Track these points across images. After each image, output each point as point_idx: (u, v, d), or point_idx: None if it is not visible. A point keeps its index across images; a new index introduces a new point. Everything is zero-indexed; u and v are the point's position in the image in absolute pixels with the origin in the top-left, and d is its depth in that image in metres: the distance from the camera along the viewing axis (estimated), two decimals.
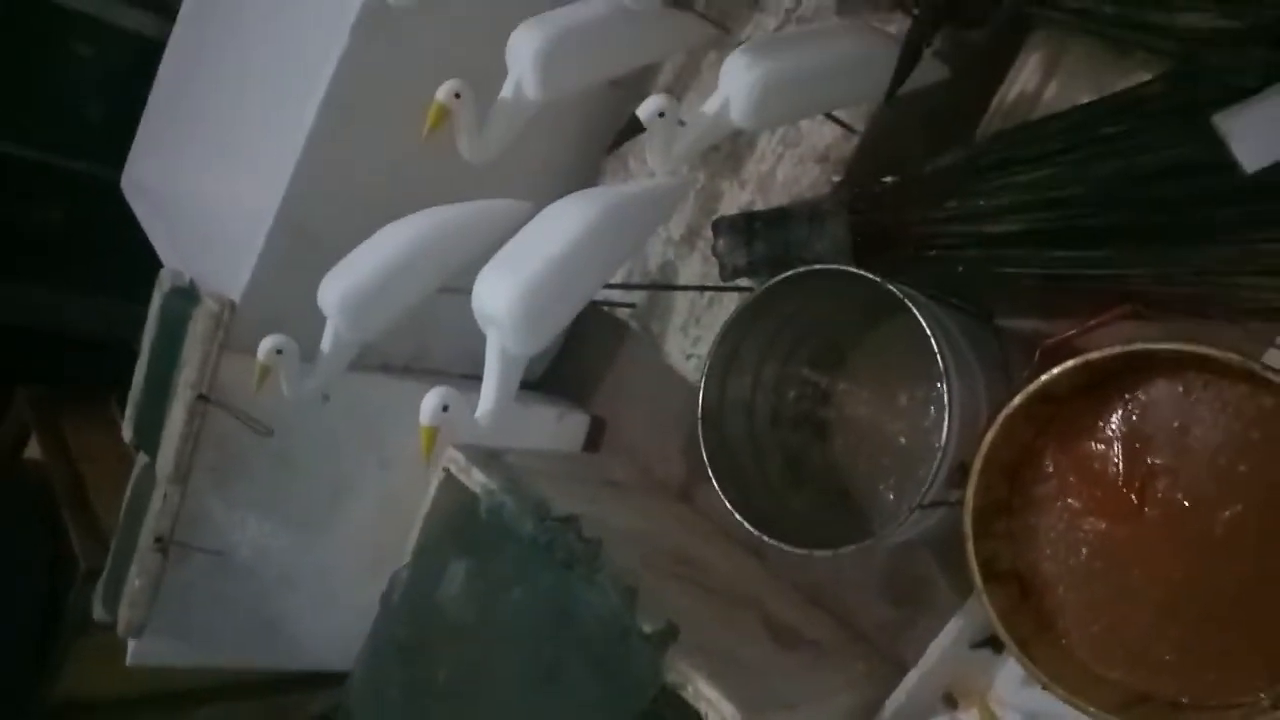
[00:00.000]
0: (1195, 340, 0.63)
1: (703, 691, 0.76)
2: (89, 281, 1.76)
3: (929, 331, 0.73)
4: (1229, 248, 0.75)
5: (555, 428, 1.20)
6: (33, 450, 1.60)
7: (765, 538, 0.80)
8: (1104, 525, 0.69)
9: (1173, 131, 0.75)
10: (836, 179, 0.98)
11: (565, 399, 1.24)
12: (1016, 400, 0.69)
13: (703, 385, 0.87)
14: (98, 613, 1.11)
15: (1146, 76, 0.78)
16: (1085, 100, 0.82)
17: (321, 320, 0.91)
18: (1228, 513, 0.65)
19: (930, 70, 0.88)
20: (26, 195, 1.74)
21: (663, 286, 1.09)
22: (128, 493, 1.12)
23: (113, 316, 1.57)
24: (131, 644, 1.07)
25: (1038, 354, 0.75)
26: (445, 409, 0.80)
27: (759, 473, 0.91)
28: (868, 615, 0.97)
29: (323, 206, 0.99)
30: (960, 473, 0.71)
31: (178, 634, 1.08)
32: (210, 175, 1.21)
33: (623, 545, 0.90)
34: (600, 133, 1.13)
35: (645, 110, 0.82)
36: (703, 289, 1.05)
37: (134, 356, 1.13)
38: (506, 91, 0.89)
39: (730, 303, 1.00)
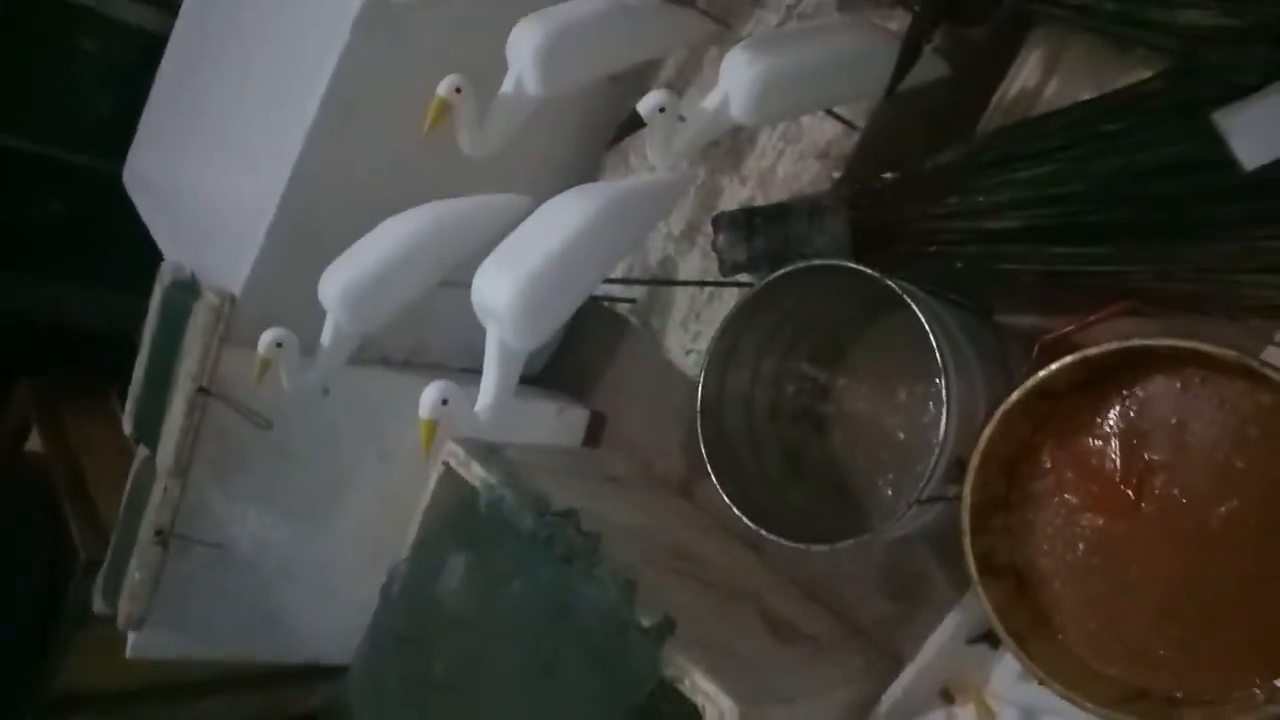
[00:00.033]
0: (1193, 336, 0.63)
1: (700, 685, 0.76)
2: (90, 274, 1.76)
3: (927, 327, 0.73)
4: (1229, 245, 0.75)
5: (555, 422, 1.20)
6: (33, 443, 1.60)
7: (763, 532, 0.80)
8: (1101, 521, 0.69)
9: (1173, 129, 0.76)
10: (837, 175, 0.98)
11: (565, 394, 1.24)
12: (1014, 396, 0.69)
13: (701, 379, 0.87)
14: (98, 605, 1.12)
15: (1147, 74, 0.79)
16: (1086, 97, 0.82)
17: (321, 314, 0.92)
18: (1224, 509, 0.65)
19: (931, 67, 0.88)
20: (29, 188, 1.74)
21: (663, 282, 1.09)
22: (128, 485, 1.12)
23: (114, 309, 1.58)
24: (131, 636, 1.08)
25: (1036, 350, 0.76)
26: (445, 402, 0.80)
27: (758, 467, 0.91)
28: (865, 610, 0.97)
29: (323, 200, 1.00)
30: (958, 468, 0.71)
31: (177, 626, 1.08)
32: (211, 169, 1.21)
33: (622, 540, 0.90)
34: (601, 128, 1.13)
35: (646, 105, 0.82)
36: (702, 284, 1.05)
37: (134, 349, 1.13)
38: (507, 87, 0.89)
39: (730, 298, 1.00)
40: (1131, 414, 0.69)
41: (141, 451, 1.10)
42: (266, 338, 0.89)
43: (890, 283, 0.77)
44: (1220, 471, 0.65)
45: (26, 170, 1.72)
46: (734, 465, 0.88)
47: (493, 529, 0.93)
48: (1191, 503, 0.66)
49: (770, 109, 0.84)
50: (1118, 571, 0.68)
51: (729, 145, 1.05)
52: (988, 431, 0.70)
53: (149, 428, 1.05)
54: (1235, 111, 0.70)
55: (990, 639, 0.80)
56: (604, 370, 1.24)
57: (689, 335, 1.08)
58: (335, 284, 0.90)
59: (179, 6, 1.34)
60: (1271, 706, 0.58)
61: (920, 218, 0.85)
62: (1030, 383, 0.68)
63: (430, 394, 0.81)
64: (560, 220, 0.83)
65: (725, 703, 0.75)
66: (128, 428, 1.13)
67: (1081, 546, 0.70)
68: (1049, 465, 0.72)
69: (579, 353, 1.26)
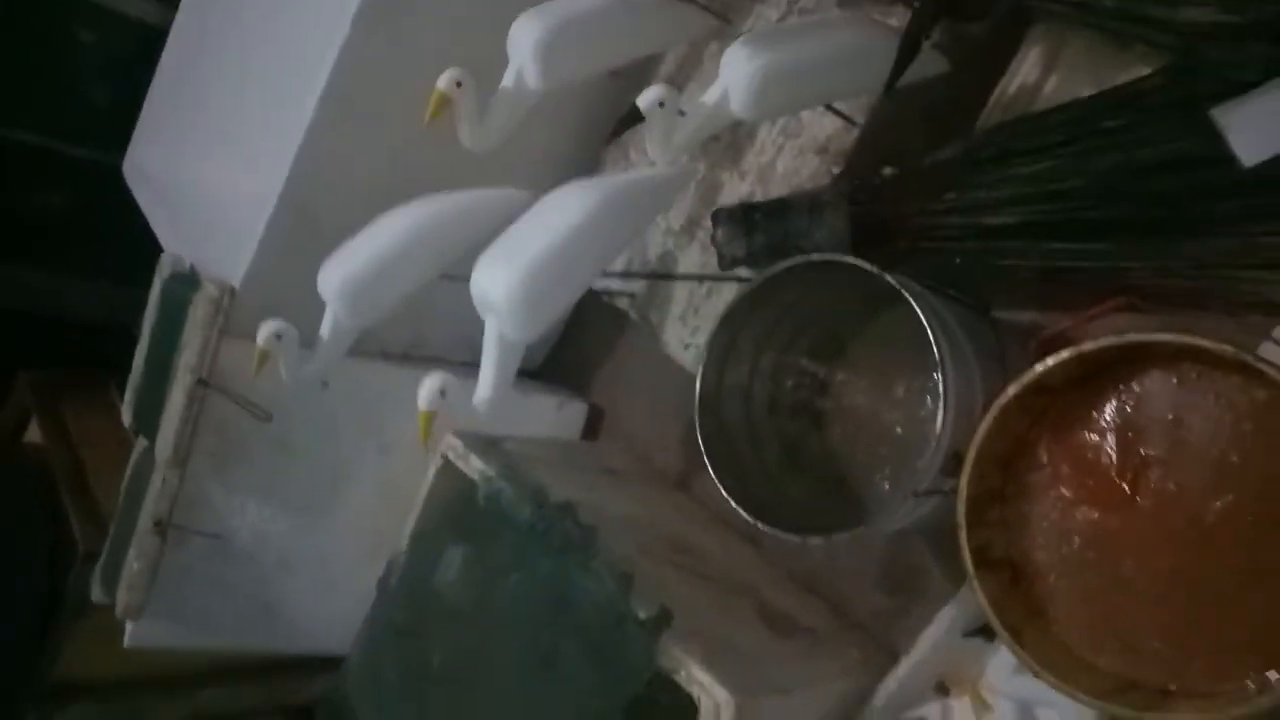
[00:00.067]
0: (1189, 331, 0.64)
1: (696, 676, 0.77)
2: (90, 266, 1.77)
3: (925, 321, 0.74)
4: (1227, 241, 0.75)
5: (554, 416, 1.20)
6: (33, 434, 1.60)
7: (760, 525, 0.81)
8: (1096, 515, 0.69)
9: (1172, 125, 0.76)
10: (836, 170, 0.98)
11: (564, 387, 1.24)
12: (1011, 390, 0.69)
13: (700, 372, 0.88)
14: (96, 595, 1.12)
15: (1146, 70, 0.79)
16: (1085, 94, 0.82)
17: (321, 306, 0.92)
18: (1219, 503, 0.65)
19: (930, 63, 0.88)
20: (29, 180, 1.74)
21: (662, 276, 1.10)
22: (127, 476, 1.12)
23: (114, 301, 1.58)
24: (130, 626, 1.08)
25: (1034, 345, 0.76)
26: (443, 394, 0.81)
27: (756, 461, 0.92)
28: (862, 603, 0.97)
29: (323, 193, 1.00)
30: (954, 462, 0.72)
31: (176, 617, 1.08)
32: (212, 162, 1.21)
33: (620, 532, 0.91)
34: (601, 123, 1.13)
35: (645, 100, 0.83)
36: (701, 278, 1.05)
37: (134, 341, 1.13)
38: (507, 81, 0.89)
39: (729, 293, 1.00)
40: (1128, 409, 0.69)
41: (140, 442, 1.10)
42: (265, 329, 0.90)
43: (888, 278, 0.77)
44: (1215, 466, 0.66)
45: (26, 162, 1.72)
46: (732, 459, 0.89)
47: (491, 521, 0.93)
48: (1186, 497, 0.66)
49: (770, 104, 0.84)
50: (1112, 565, 0.68)
51: (729, 140, 1.06)
52: (984, 426, 0.70)
53: (148, 419, 1.05)
54: (1234, 108, 0.71)
55: (986, 632, 0.81)
56: (603, 364, 1.24)
57: (688, 329, 1.08)
58: (334, 277, 0.90)
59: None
60: (1263, 699, 0.59)
61: (919, 213, 0.85)
62: (1027, 378, 0.69)
63: (429, 386, 0.81)
64: (559, 213, 0.83)
65: (721, 694, 0.75)
66: (127, 419, 1.13)
67: (1077, 540, 0.70)
68: (1045, 459, 0.72)
69: (578, 346, 1.26)
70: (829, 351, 0.95)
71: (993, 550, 0.72)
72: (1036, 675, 0.66)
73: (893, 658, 0.87)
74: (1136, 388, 0.69)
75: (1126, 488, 0.69)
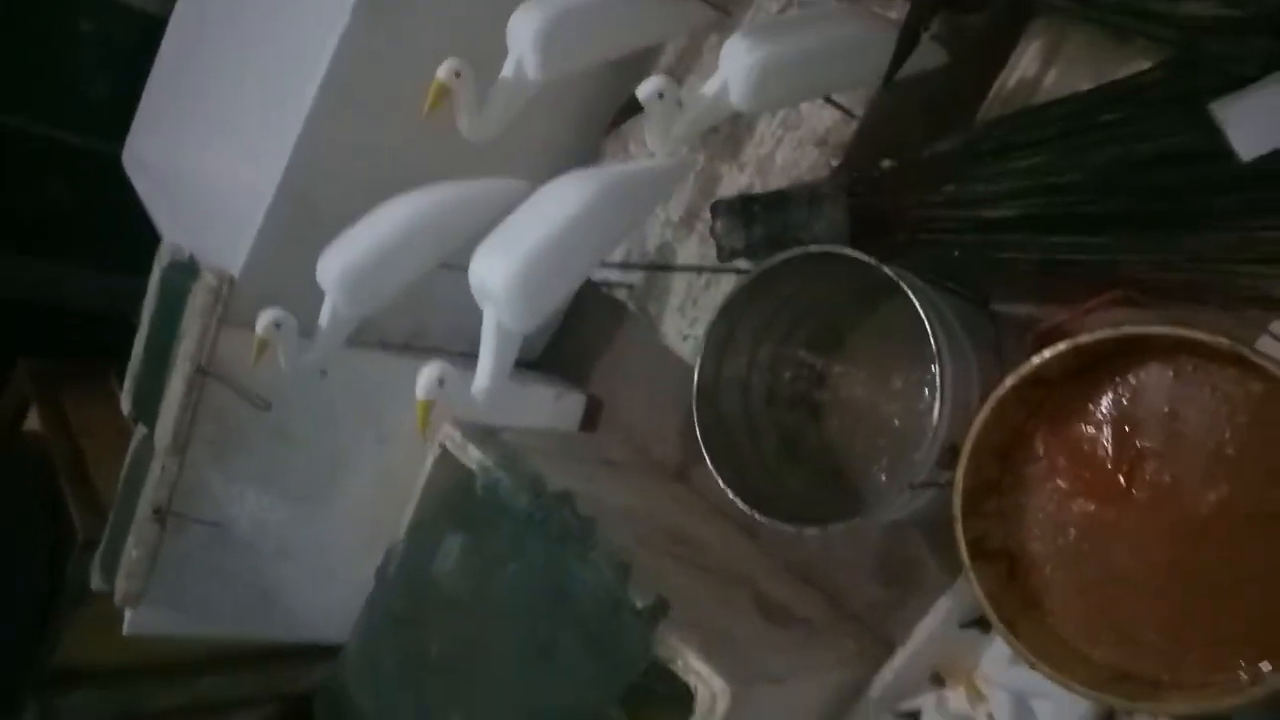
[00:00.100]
0: (1185, 324, 0.64)
1: (692, 665, 0.77)
2: (89, 255, 1.77)
3: (922, 314, 0.74)
4: (1226, 235, 0.76)
5: (552, 407, 1.20)
6: (31, 422, 1.60)
7: (757, 515, 0.81)
8: (1092, 507, 0.70)
9: (1172, 119, 0.76)
10: (835, 163, 0.98)
11: (562, 379, 1.25)
12: (1008, 383, 0.69)
13: (698, 363, 0.88)
14: (95, 582, 1.12)
15: (1146, 64, 0.79)
16: (1085, 88, 0.82)
17: (320, 295, 0.92)
18: (1215, 496, 0.65)
19: (929, 55, 0.88)
20: (28, 169, 1.74)
21: (660, 267, 1.10)
22: (126, 463, 1.12)
23: (113, 291, 1.58)
24: (129, 614, 1.08)
25: (1031, 338, 0.76)
26: (441, 384, 0.81)
27: (754, 452, 0.92)
28: (859, 595, 0.97)
29: (323, 183, 1.00)
30: (951, 454, 0.72)
31: (175, 604, 1.08)
32: (211, 151, 1.21)
33: (618, 523, 0.91)
34: (600, 114, 1.13)
35: (644, 91, 0.83)
36: (700, 270, 1.06)
37: (133, 331, 1.13)
38: (507, 71, 0.89)
39: (728, 284, 1.01)
40: (1124, 402, 0.70)
41: (139, 430, 1.11)
42: (264, 318, 0.90)
43: (886, 270, 0.77)
44: (1211, 459, 0.66)
45: (26, 151, 1.72)
46: (730, 450, 0.89)
47: (489, 511, 0.93)
48: (1182, 490, 0.67)
49: (769, 95, 0.84)
50: (1108, 557, 0.68)
51: (728, 132, 1.06)
52: (981, 417, 0.70)
53: (147, 407, 1.05)
54: (1233, 102, 0.71)
55: (981, 624, 0.81)
56: (601, 355, 1.24)
57: (686, 321, 1.08)
58: (333, 266, 0.90)
59: None
60: (1256, 689, 0.59)
61: (918, 206, 0.85)
62: (1024, 370, 0.69)
63: (427, 375, 0.81)
64: (557, 204, 0.83)
65: (717, 683, 0.76)
66: (126, 407, 1.13)
67: (1073, 532, 0.70)
68: (1041, 451, 0.72)
69: (576, 337, 1.26)
70: (827, 343, 0.95)
71: (989, 542, 0.72)
72: (1032, 666, 0.67)
73: (889, 649, 0.87)
74: (1133, 380, 0.69)
75: (1122, 480, 0.69)
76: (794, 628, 0.92)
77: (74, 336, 1.69)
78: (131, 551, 1.03)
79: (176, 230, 1.15)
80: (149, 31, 1.40)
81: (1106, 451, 0.70)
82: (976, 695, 0.80)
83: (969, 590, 0.71)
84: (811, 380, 0.96)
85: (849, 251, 0.80)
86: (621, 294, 1.14)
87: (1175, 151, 0.76)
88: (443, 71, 0.86)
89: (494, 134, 0.90)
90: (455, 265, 0.87)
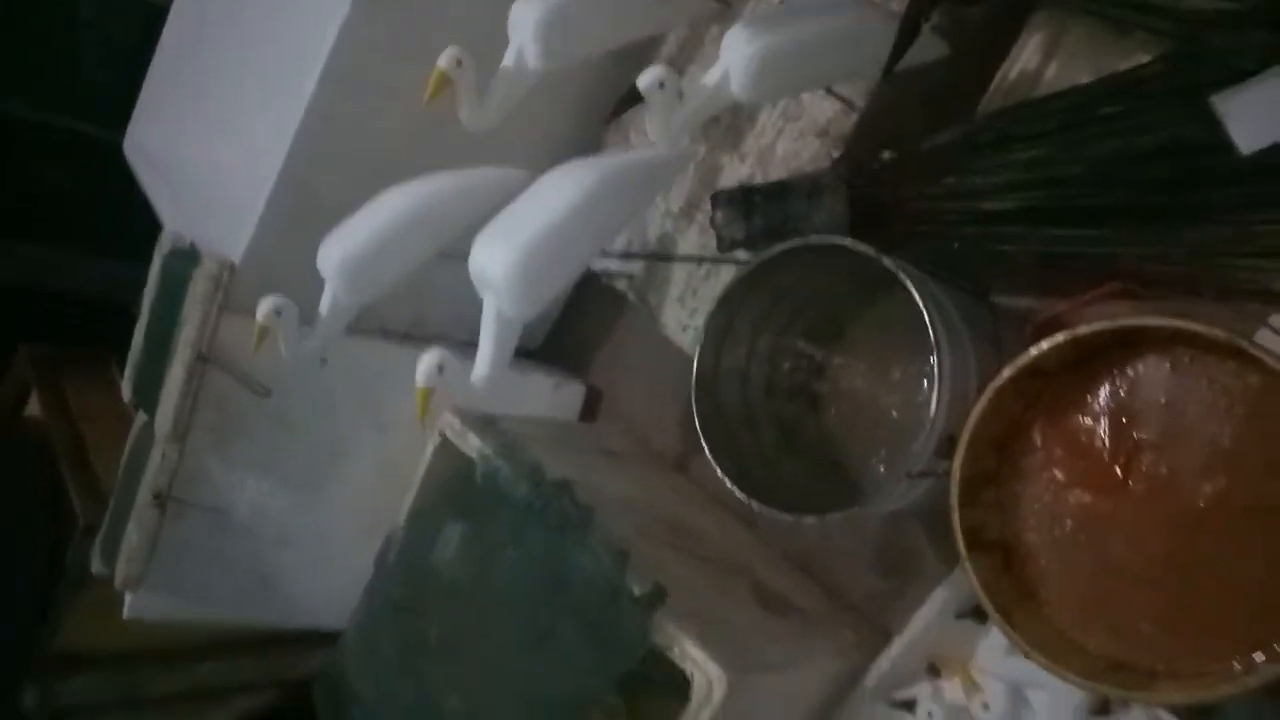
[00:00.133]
0: (1182, 316, 0.64)
1: (689, 652, 0.77)
2: (90, 243, 1.77)
3: (920, 303, 0.74)
4: (1225, 228, 0.76)
5: (552, 397, 1.21)
6: (32, 408, 1.61)
7: (754, 504, 0.81)
8: (1089, 498, 0.70)
9: (1172, 112, 0.76)
10: (836, 154, 0.98)
11: (562, 369, 1.25)
12: (1005, 373, 0.70)
13: (698, 353, 0.88)
14: (96, 567, 1.13)
15: (1147, 58, 0.79)
16: (1085, 80, 0.82)
17: (320, 283, 0.92)
18: (1211, 488, 0.66)
19: (929, 46, 0.89)
20: (30, 156, 1.74)
21: (660, 257, 1.10)
22: (126, 450, 1.13)
23: (114, 278, 1.58)
24: (129, 598, 1.09)
25: (1029, 329, 0.76)
26: (441, 371, 0.81)
27: (753, 443, 0.92)
28: (857, 585, 0.98)
29: (323, 171, 1.00)
30: (948, 444, 0.72)
31: (175, 589, 1.09)
32: (212, 139, 1.21)
33: (617, 512, 0.91)
34: (601, 103, 1.13)
35: (645, 81, 0.83)
36: (700, 260, 1.06)
37: (134, 319, 1.14)
38: (508, 60, 0.89)
39: (728, 275, 1.00)
40: (1121, 393, 0.70)
41: (140, 417, 1.11)
42: (265, 305, 0.90)
43: (885, 261, 0.77)
44: (1208, 451, 0.66)
45: (28, 139, 1.72)
46: (729, 441, 0.89)
47: (488, 499, 0.94)
48: (1178, 482, 0.67)
49: (769, 86, 0.84)
50: (1104, 548, 0.69)
51: (729, 123, 1.06)
52: (979, 408, 0.70)
53: (147, 393, 1.06)
54: (1233, 95, 0.71)
55: (977, 614, 0.81)
56: (601, 345, 1.25)
57: (686, 311, 1.08)
58: (333, 254, 0.90)
59: None
60: (1249, 679, 0.59)
61: (918, 198, 0.86)
62: (1021, 360, 0.69)
63: (426, 362, 0.81)
64: (557, 192, 0.83)
65: (714, 670, 0.76)
66: (126, 393, 1.14)
67: (1069, 523, 0.70)
68: (1039, 442, 0.72)
69: (577, 328, 1.26)
70: (827, 335, 0.95)
71: (986, 532, 0.72)
72: (1027, 656, 0.67)
73: (886, 638, 0.88)
74: (1130, 372, 0.70)
75: (1119, 471, 0.69)
76: (792, 617, 0.93)
77: (75, 323, 1.69)
78: (132, 536, 1.04)
79: (178, 218, 1.15)
80: (150, 20, 1.40)
81: (1104, 443, 0.70)
82: (971, 685, 0.81)
83: (966, 581, 0.71)
84: (811, 371, 0.96)
85: (849, 243, 0.80)
86: (621, 284, 1.14)
87: (1175, 145, 0.76)
88: (444, 60, 0.86)
89: (494, 123, 0.90)
90: (455, 254, 0.87)
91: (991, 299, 0.89)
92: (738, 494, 0.82)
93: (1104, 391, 0.70)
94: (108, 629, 1.19)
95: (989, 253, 0.84)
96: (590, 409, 1.24)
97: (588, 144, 1.15)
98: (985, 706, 0.80)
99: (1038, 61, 0.88)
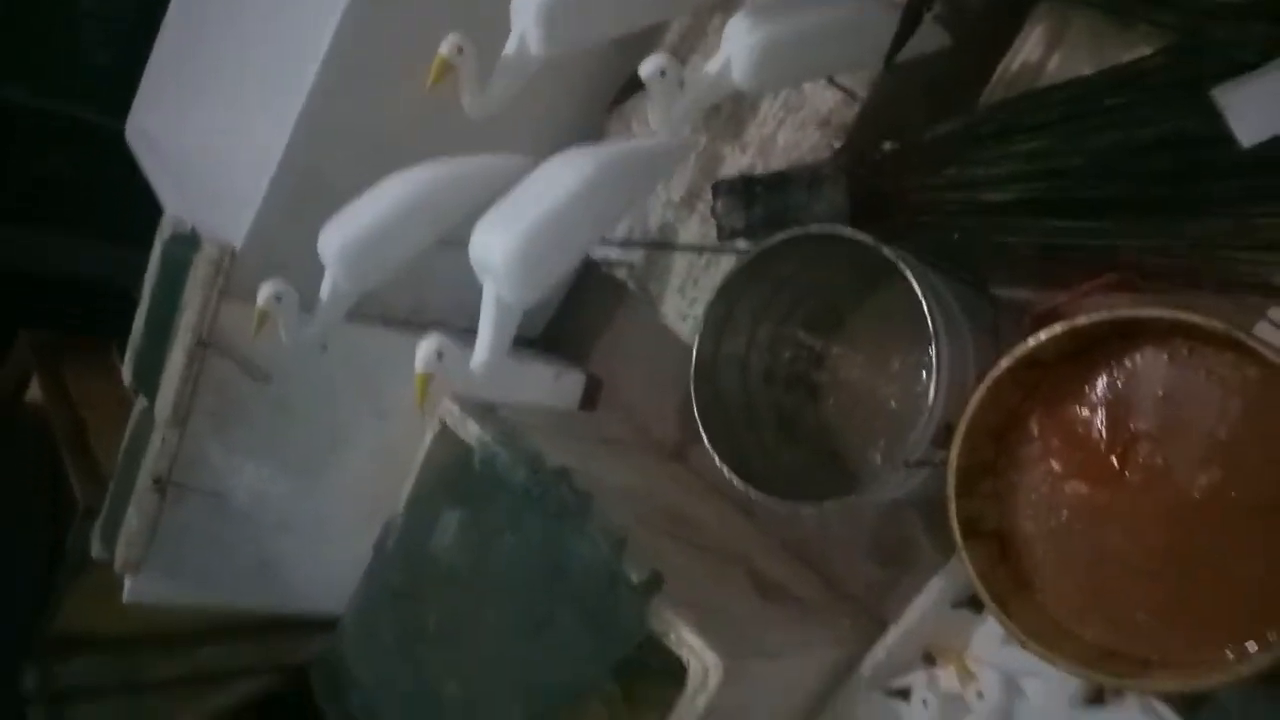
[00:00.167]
0: (1180, 307, 0.64)
1: (686, 639, 0.78)
2: (91, 228, 1.77)
3: (919, 292, 0.74)
4: (1225, 221, 0.76)
5: (552, 385, 1.21)
6: (33, 394, 1.61)
7: (752, 491, 0.81)
8: (1085, 488, 0.70)
9: (1173, 105, 0.76)
10: (837, 144, 0.98)
11: (562, 358, 1.25)
12: (1003, 363, 0.70)
13: (697, 341, 0.88)
14: (96, 550, 1.13)
15: (1149, 50, 0.79)
16: (1087, 72, 0.82)
17: (321, 269, 0.92)
18: (1207, 479, 0.66)
19: (931, 37, 0.88)
20: (32, 142, 1.74)
21: (661, 245, 1.10)
22: (126, 434, 1.13)
23: (115, 263, 1.58)
24: (128, 582, 1.09)
25: (1027, 320, 0.76)
26: (440, 357, 0.82)
27: (752, 432, 0.92)
28: (854, 574, 0.98)
29: (325, 156, 1.00)
30: (946, 433, 0.72)
31: (174, 573, 1.09)
32: (214, 125, 1.21)
33: (615, 501, 0.92)
34: (603, 91, 1.13)
35: (646, 69, 0.83)
36: (701, 250, 1.06)
37: (135, 304, 1.14)
38: (510, 47, 0.89)
39: (728, 265, 1.01)
40: (1119, 385, 0.70)
41: (140, 401, 1.11)
42: (265, 290, 0.90)
43: (885, 251, 0.77)
44: (1205, 443, 0.66)
45: (28, 125, 1.72)
46: (728, 429, 0.89)
47: (487, 486, 0.94)
48: (1175, 473, 0.67)
49: (771, 75, 0.84)
50: (1099, 538, 0.69)
51: (730, 112, 1.06)
52: (976, 398, 0.71)
53: (148, 378, 1.06)
54: (1235, 88, 0.71)
55: (973, 604, 0.82)
56: (601, 335, 1.25)
57: (686, 301, 1.09)
58: (334, 240, 0.91)
59: None
60: (1241, 668, 0.60)
61: (919, 188, 0.86)
62: (1019, 351, 0.69)
63: (425, 348, 0.82)
64: (557, 179, 0.83)
65: (710, 657, 0.76)
66: (127, 378, 1.14)
67: (1065, 513, 0.71)
68: (1036, 433, 0.72)
69: (577, 317, 1.26)
70: (826, 324, 0.95)
71: (983, 522, 0.73)
72: (1022, 645, 0.67)
73: (882, 627, 0.88)
74: (1128, 364, 0.70)
75: (1116, 462, 0.69)
76: (789, 605, 0.93)
77: (75, 309, 1.69)
78: (132, 521, 1.04)
79: (179, 203, 1.15)
80: (151, 6, 1.40)
81: (1101, 434, 0.70)
82: (967, 674, 0.81)
83: (962, 570, 0.71)
84: (810, 361, 0.96)
85: (849, 232, 0.80)
86: (622, 273, 1.14)
87: (1176, 137, 0.76)
88: (445, 47, 0.86)
89: (496, 110, 0.90)
90: (456, 240, 0.87)
91: (991, 290, 0.89)
92: (735, 482, 0.83)
93: (1102, 383, 0.71)
94: (107, 612, 1.20)
95: (989, 244, 0.85)
96: (590, 398, 1.24)
97: (589, 131, 1.15)
98: (980, 695, 0.80)
99: (1040, 53, 0.88)
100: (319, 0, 0.97)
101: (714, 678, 0.76)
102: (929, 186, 0.85)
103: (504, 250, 0.80)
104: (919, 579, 0.86)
